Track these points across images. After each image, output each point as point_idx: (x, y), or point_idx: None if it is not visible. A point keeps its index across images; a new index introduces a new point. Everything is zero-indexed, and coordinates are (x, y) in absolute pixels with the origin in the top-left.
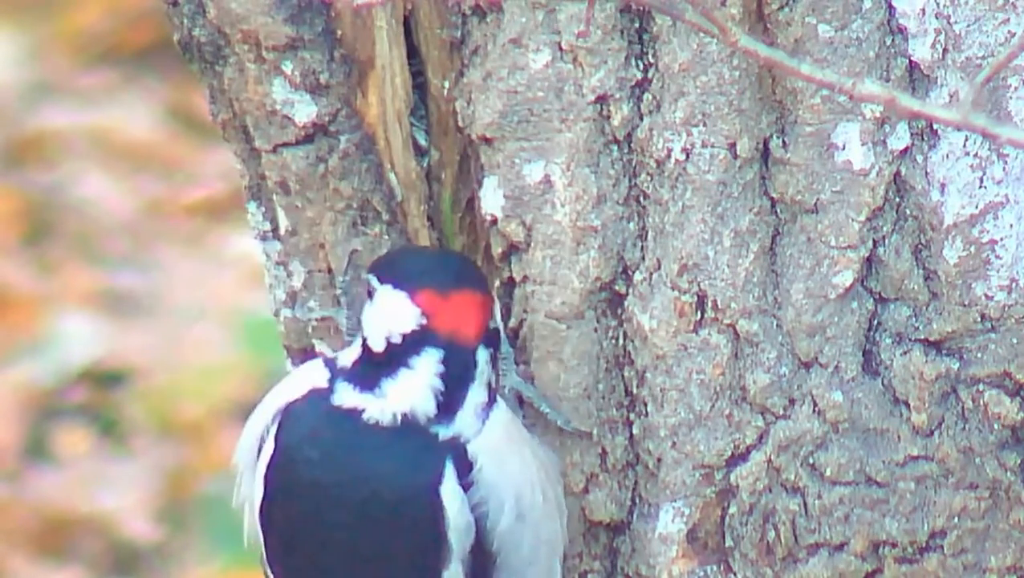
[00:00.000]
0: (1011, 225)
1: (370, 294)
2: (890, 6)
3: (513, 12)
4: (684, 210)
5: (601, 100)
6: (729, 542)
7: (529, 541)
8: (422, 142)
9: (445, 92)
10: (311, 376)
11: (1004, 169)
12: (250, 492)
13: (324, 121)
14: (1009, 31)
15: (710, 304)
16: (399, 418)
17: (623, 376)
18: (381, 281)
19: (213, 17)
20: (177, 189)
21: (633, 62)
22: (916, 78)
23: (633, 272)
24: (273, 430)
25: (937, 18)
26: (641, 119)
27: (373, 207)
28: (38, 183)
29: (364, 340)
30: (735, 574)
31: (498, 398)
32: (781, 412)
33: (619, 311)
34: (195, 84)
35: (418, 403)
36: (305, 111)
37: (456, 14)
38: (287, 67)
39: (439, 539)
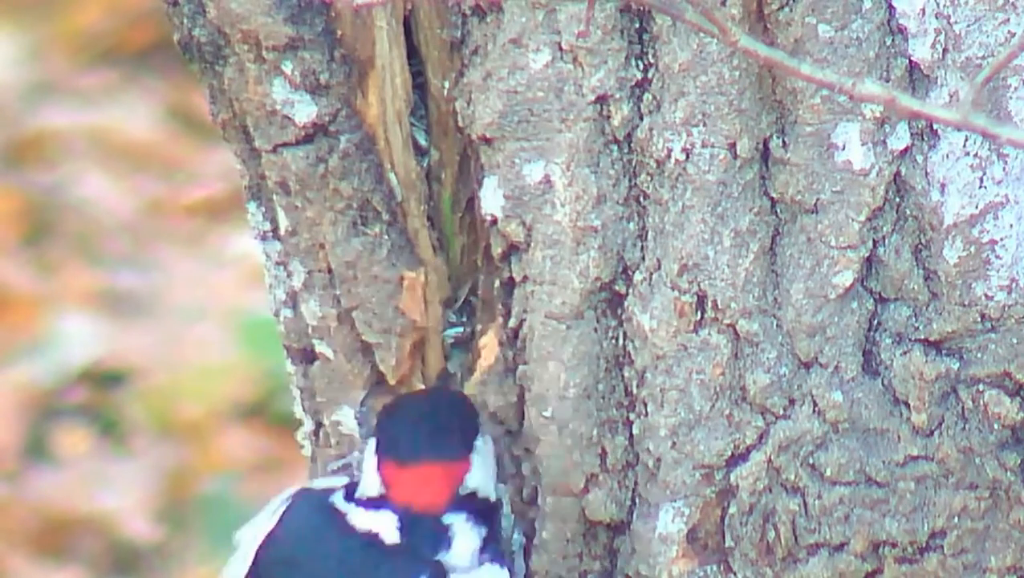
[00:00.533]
0: (1011, 225)
1: (371, 436)
2: (890, 6)
3: (513, 12)
4: (684, 210)
5: (601, 100)
6: (729, 542)
7: None
8: (422, 142)
9: (445, 92)
10: (332, 481)
11: (1004, 169)
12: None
13: (324, 121)
14: (1009, 31)
15: (710, 304)
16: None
17: (623, 376)
18: (376, 433)
19: (213, 17)
20: (177, 189)
21: (633, 62)
22: (916, 78)
23: (633, 272)
24: (278, 514)
25: (937, 18)
26: (641, 119)
27: (373, 207)
28: (38, 183)
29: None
30: (735, 574)
31: (504, 566)
32: (781, 412)
33: (619, 311)
34: (195, 84)
35: (382, 530)
36: (305, 111)
37: (456, 14)
38: (287, 67)
39: None
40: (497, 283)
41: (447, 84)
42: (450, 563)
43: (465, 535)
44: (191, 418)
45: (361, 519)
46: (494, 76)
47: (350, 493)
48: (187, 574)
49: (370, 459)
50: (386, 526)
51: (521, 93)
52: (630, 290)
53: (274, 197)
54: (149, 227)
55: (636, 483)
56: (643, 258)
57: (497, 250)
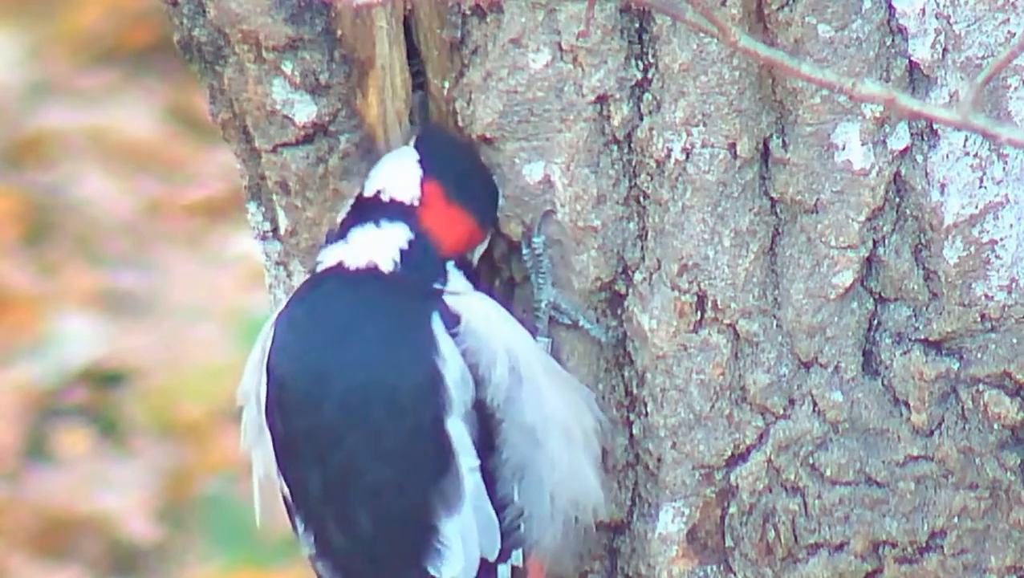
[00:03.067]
0: (1011, 225)
1: (406, 143)
2: (890, 6)
3: (513, 12)
4: (684, 210)
5: (601, 100)
6: (729, 542)
7: (531, 409)
8: None
9: (445, 92)
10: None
11: (1004, 169)
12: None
13: (324, 121)
14: (1009, 31)
15: (710, 304)
16: (366, 265)
17: (623, 376)
18: (415, 145)
19: (213, 17)
20: (177, 189)
21: (633, 62)
22: (916, 78)
23: (633, 272)
24: (270, 329)
25: (937, 18)
26: (641, 119)
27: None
28: (38, 183)
29: (360, 193)
30: (735, 574)
31: (479, 288)
32: (781, 412)
33: (619, 311)
34: (195, 84)
35: (379, 259)
36: (305, 111)
37: (456, 14)
38: (287, 67)
39: (437, 378)
40: (497, 283)
41: (447, 84)
42: (446, 288)
43: (449, 276)
44: (191, 418)
45: (355, 250)
46: (494, 76)
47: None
48: (187, 574)
49: (405, 163)
50: (385, 247)
51: (521, 93)
52: (630, 290)
53: (274, 197)
54: (149, 227)
55: (636, 483)
56: (643, 258)
57: (497, 250)
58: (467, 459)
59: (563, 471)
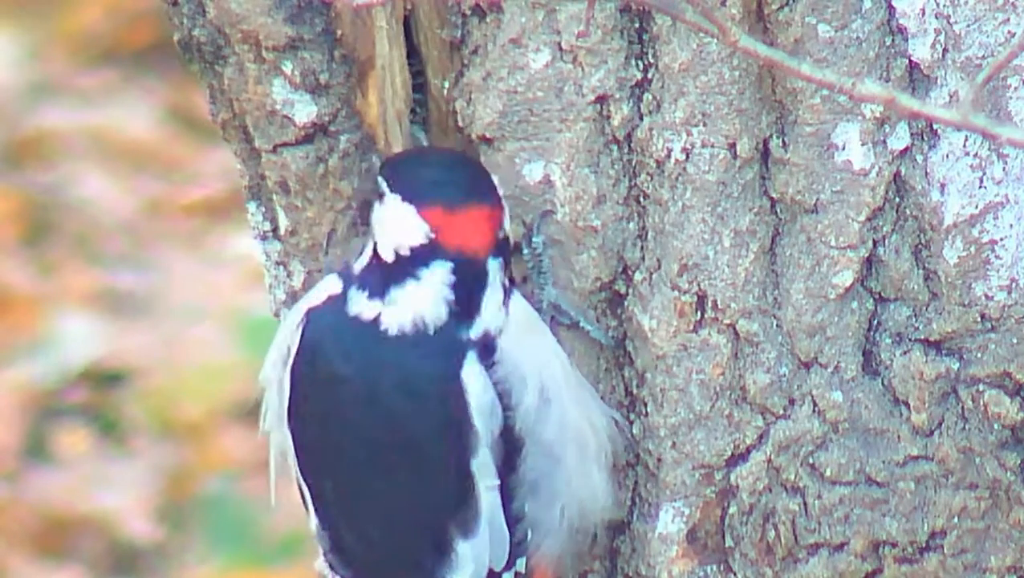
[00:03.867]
0: (1011, 225)
1: (380, 197)
2: (890, 6)
3: (513, 12)
4: (684, 210)
5: (601, 100)
6: (729, 542)
7: (554, 427)
8: (422, 142)
9: (445, 92)
10: (328, 285)
11: (1004, 169)
12: (277, 405)
13: (324, 121)
14: (1009, 31)
15: (710, 304)
16: (410, 325)
17: (623, 376)
18: (391, 189)
19: (213, 17)
20: (177, 189)
21: (633, 62)
22: (916, 78)
23: (633, 272)
24: (297, 336)
25: (937, 18)
26: (641, 119)
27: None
28: (38, 183)
29: (375, 245)
30: (735, 574)
31: (514, 290)
32: (781, 412)
33: (619, 311)
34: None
35: (427, 311)
36: (305, 111)
37: (456, 14)
38: (287, 67)
39: (464, 423)
40: None
41: (447, 84)
42: (482, 331)
43: (495, 288)
44: (191, 418)
45: (394, 308)
46: (494, 76)
47: (351, 278)
48: (187, 574)
49: (396, 210)
50: (432, 292)
51: (521, 93)
52: (630, 290)
53: (274, 197)
54: (149, 227)
55: (636, 483)
56: (643, 258)
57: None
58: (487, 480)
59: (575, 482)
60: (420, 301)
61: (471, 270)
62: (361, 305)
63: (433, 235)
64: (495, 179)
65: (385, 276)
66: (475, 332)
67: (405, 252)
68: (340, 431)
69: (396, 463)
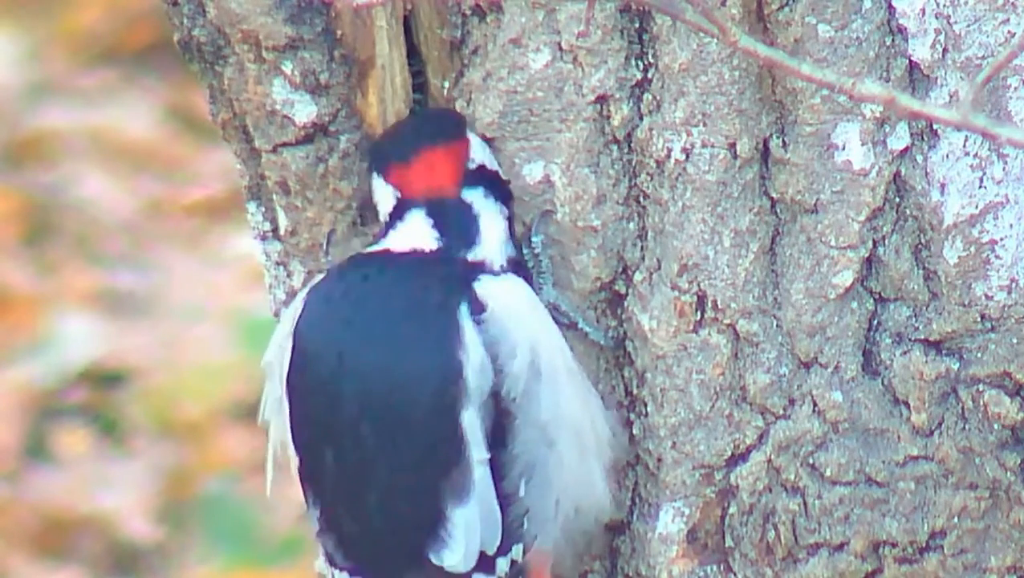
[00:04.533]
0: (1011, 225)
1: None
2: (890, 6)
3: (513, 12)
4: (684, 210)
5: (601, 100)
6: (729, 542)
7: (547, 407)
8: None
9: (445, 92)
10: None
11: (1004, 169)
12: (279, 390)
13: (324, 121)
14: (1009, 31)
15: (710, 304)
16: (408, 249)
17: (623, 376)
18: (370, 170)
19: (213, 17)
20: (177, 189)
21: (633, 62)
22: (916, 78)
23: (633, 272)
24: (300, 305)
25: (937, 18)
26: (641, 119)
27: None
28: (38, 183)
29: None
30: (735, 574)
31: (520, 277)
32: (781, 412)
33: (619, 311)
34: (195, 84)
35: (420, 241)
36: (305, 111)
37: (456, 14)
38: (287, 67)
39: (456, 368)
40: None
41: (447, 84)
42: (482, 258)
43: (489, 215)
44: (191, 418)
45: (398, 238)
46: (494, 76)
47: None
48: (187, 574)
49: (375, 185)
50: (418, 229)
51: (521, 93)
52: (630, 290)
53: (274, 197)
54: (149, 227)
55: (636, 483)
56: (643, 258)
57: None
58: (477, 451)
59: (571, 474)
60: (411, 234)
61: (444, 209)
62: (371, 248)
63: (399, 193)
64: (463, 121)
65: (386, 227)
66: (474, 255)
67: (387, 217)
68: (338, 381)
69: (392, 416)
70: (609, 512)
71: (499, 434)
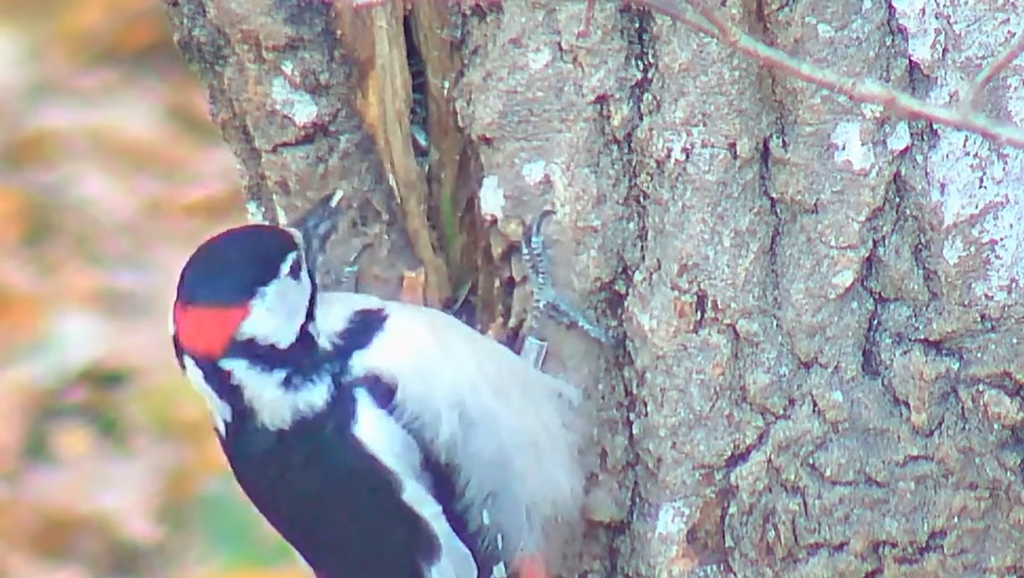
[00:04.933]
0: (1011, 225)
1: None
2: (890, 6)
3: (513, 12)
4: (684, 210)
5: (601, 100)
6: (729, 542)
7: (489, 444)
8: (422, 142)
9: (445, 92)
10: None
11: (1004, 169)
12: None
13: (324, 121)
14: (1009, 31)
15: (710, 304)
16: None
17: (623, 376)
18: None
19: (213, 17)
20: (177, 189)
21: (633, 62)
22: (916, 78)
23: (633, 272)
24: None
25: (937, 18)
26: (641, 119)
27: (373, 207)
28: (38, 183)
29: None
30: (735, 574)
31: (376, 332)
32: (781, 412)
33: (619, 311)
34: (195, 84)
35: (215, 408)
36: (305, 111)
37: (456, 14)
38: (287, 67)
39: (378, 470)
40: (497, 283)
41: (447, 84)
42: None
43: (253, 383)
44: (191, 418)
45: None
46: (494, 76)
47: None
48: (187, 574)
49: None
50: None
51: (521, 93)
52: (630, 290)
53: (274, 197)
54: (149, 227)
55: (636, 483)
56: (643, 258)
57: (497, 250)
58: (429, 509)
59: (535, 480)
60: (208, 398)
61: (210, 370)
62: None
63: (175, 331)
64: (267, 268)
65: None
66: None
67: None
68: (285, 509)
69: (343, 519)
70: (581, 489)
71: (448, 488)
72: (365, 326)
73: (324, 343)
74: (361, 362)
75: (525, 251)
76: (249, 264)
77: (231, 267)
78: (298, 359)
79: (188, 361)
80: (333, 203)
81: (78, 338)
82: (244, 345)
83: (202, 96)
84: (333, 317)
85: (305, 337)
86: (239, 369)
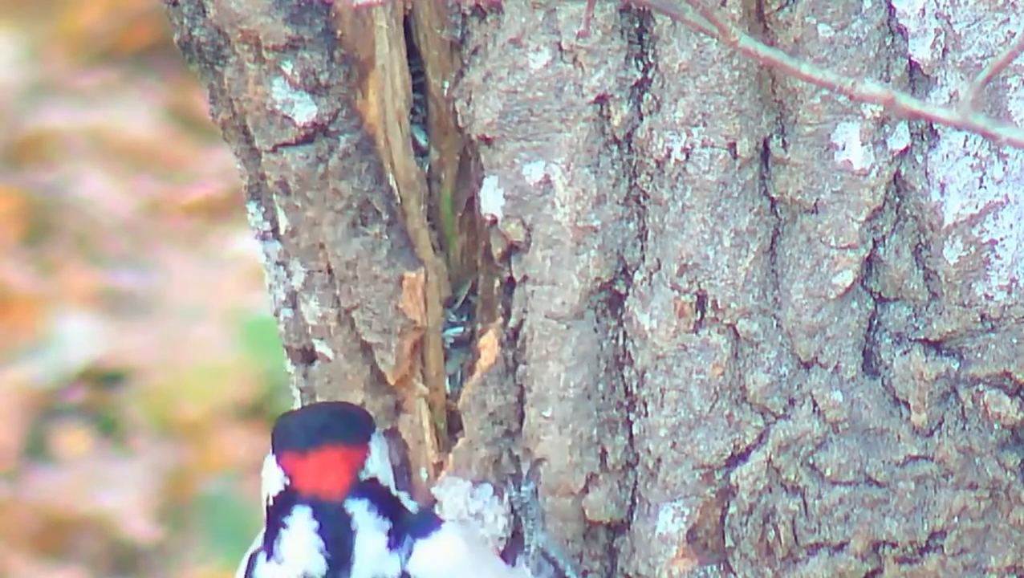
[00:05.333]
0: (1011, 225)
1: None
2: (890, 6)
3: (513, 12)
4: (684, 210)
5: (601, 100)
6: (729, 542)
7: None
8: (422, 142)
9: (445, 92)
10: (256, 542)
11: (1004, 169)
12: None
13: (324, 121)
14: (1009, 31)
15: (710, 304)
16: None
17: (623, 376)
18: (270, 448)
19: (213, 17)
20: (177, 189)
21: (633, 62)
22: (916, 78)
23: (633, 272)
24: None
25: (937, 18)
26: (641, 119)
27: (373, 207)
28: (38, 183)
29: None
30: (735, 574)
31: (440, 526)
32: (781, 412)
33: (619, 311)
34: (195, 84)
35: (307, 564)
36: (305, 111)
37: (456, 14)
38: (287, 67)
39: None
40: (497, 283)
41: (447, 84)
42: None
43: (368, 529)
44: (191, 418)
45: (285, 551)
46: (494, 76)
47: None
48: (187, 574)
49: (268, 464)
50: (303, 542)
51: (521, 93)
52: (630, 290)
53: (274, 197)
54: (149, 227)
55: (636, 483)
56: (643, 258)
57: (497, 250)
58: None
59: None
60: (298, 552)
61: (329, 513)
62: (264, 571)
63: (288, 481)
64: (370, 424)
65: (270, 532)
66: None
67: (271, 502)
68: None
69: None
70: None
71: None
72: (425, 516)
73: (410, 505)
74: (421, 552)
75: (514, 495)
76: (349, 417)
77: (336, 418)
78: (395, 516)
79: (301, 512)
80: None
81: (78, 338)
82: (367, 485)
83: (202, 96)
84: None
85: (396, 499)
86: (360, 511)
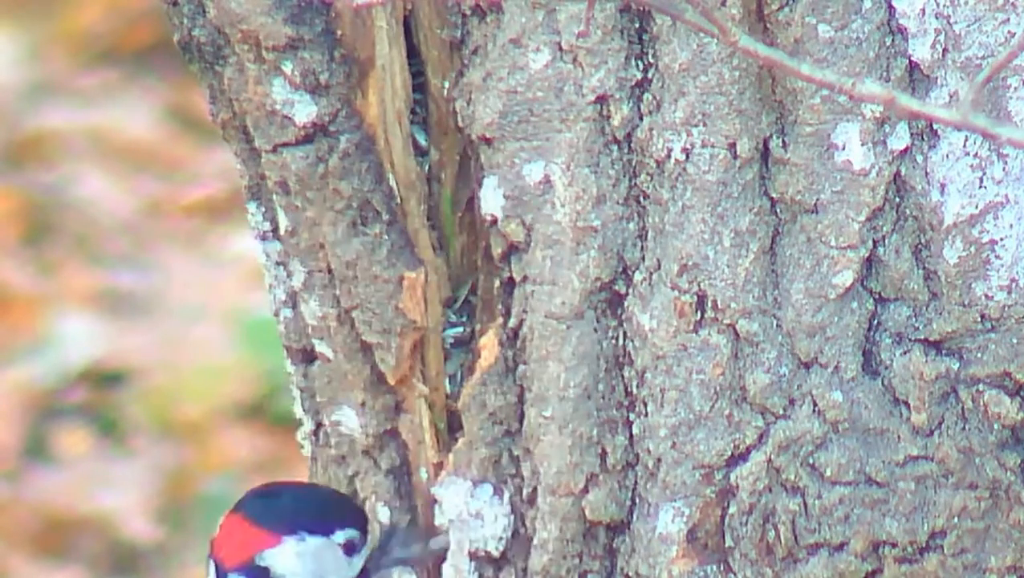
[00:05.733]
0: (1011, 225)
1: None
2: (890, 6)
3: (513, 12)
4: (684, 210)
5: (601, 100)
6: (729, 542)
7: None
8: (422, 142)
9: (445, 92)
10: None
11: (1004, 169)
12: None
13: (324, 121)
14: (1009, 31)
15: (710, 304)
16: None
17: (623, 376)
18: None
19: (213, 17)
20: (177, 189)
21: (633, 62)
22: (916, 78)
23: (633, 272)
24: None
25: (937, 18)
26: (641, 119)
27: (373, 207)
28: (38, 183)
29: None
30: (735, 574)
31: None
32: (781, 412)
33: (619, 311)
34: (195, 84)
35: None
36: (305, 111)
37: (456, 14)
38: (287, 67)
39: None
40: (497, 283)
41: (447, 84)
42: None
43: None
44: (191, 418)
45: None
46: (494, 76)
47: None
48: (187, 574)
49: None
50: None
51: (521, 93)
52: (630, 290)
53: (274, 197)
54: (149, 227)
55: (636, 483)
56: (643, 258)
57: (497, 250)
58: None
59: None
60: None
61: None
62: None
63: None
64: (328, 528)
65: None
66: None
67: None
68: None
69: None
70: None
71: None
72: None
73: None
74: None
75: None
76: (309, 509)
77: (292, 501)
78: None
79: (211, 565)
80: (433, 545)
81: (78, 338)
82: (257, 570)
83: (202, 96)
84: None
85: None
86: None
